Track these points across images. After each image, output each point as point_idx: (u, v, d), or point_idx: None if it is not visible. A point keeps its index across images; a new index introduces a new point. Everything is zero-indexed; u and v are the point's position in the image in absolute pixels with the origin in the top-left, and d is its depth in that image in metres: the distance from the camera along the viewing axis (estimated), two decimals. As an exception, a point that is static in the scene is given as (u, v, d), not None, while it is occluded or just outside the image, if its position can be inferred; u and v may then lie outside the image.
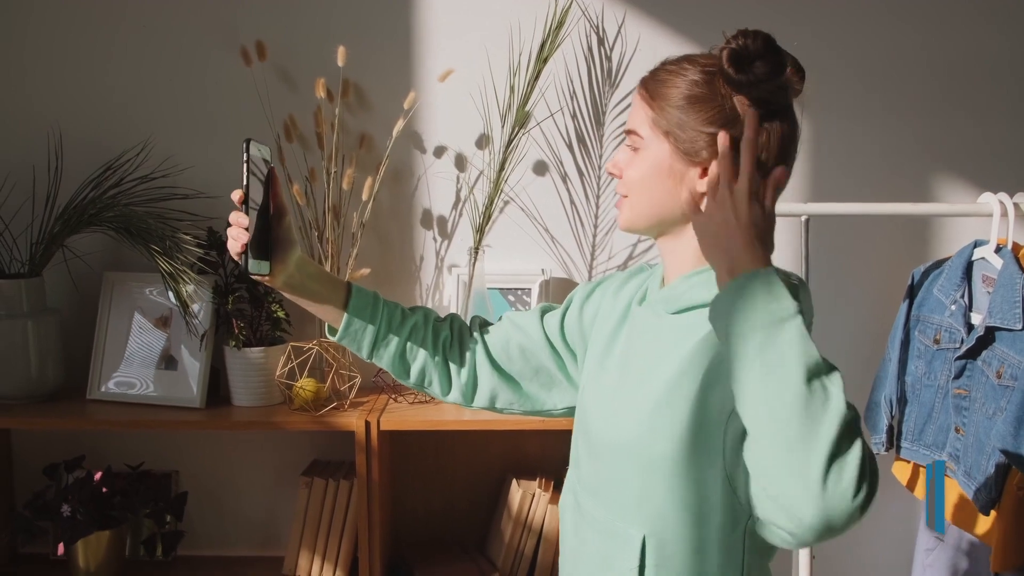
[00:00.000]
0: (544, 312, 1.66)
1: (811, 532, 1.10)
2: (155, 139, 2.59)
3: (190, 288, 2.38)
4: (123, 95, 2.62)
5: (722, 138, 1.31)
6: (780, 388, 1.12)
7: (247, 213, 1.42)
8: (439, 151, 2.62)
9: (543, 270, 2.62)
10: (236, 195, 1.42)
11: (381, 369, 2.57)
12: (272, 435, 2.69)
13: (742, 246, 1.24)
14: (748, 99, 1.33)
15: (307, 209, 2.54)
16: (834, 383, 1.13)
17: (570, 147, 2.62)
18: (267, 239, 1.46)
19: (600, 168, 2.62)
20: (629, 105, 2.59)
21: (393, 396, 2.55)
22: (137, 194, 2.50)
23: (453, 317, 1.68)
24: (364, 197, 2.53)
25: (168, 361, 2.52)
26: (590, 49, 2.59)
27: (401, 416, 2.41)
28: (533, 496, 2.50)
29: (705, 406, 1.29)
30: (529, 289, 2.61)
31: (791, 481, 1.10)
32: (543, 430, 2.45)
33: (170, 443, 2.69)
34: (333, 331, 1.62)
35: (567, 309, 1.64)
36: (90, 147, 2.58)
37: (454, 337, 1.65)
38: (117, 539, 2.51)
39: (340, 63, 2.47)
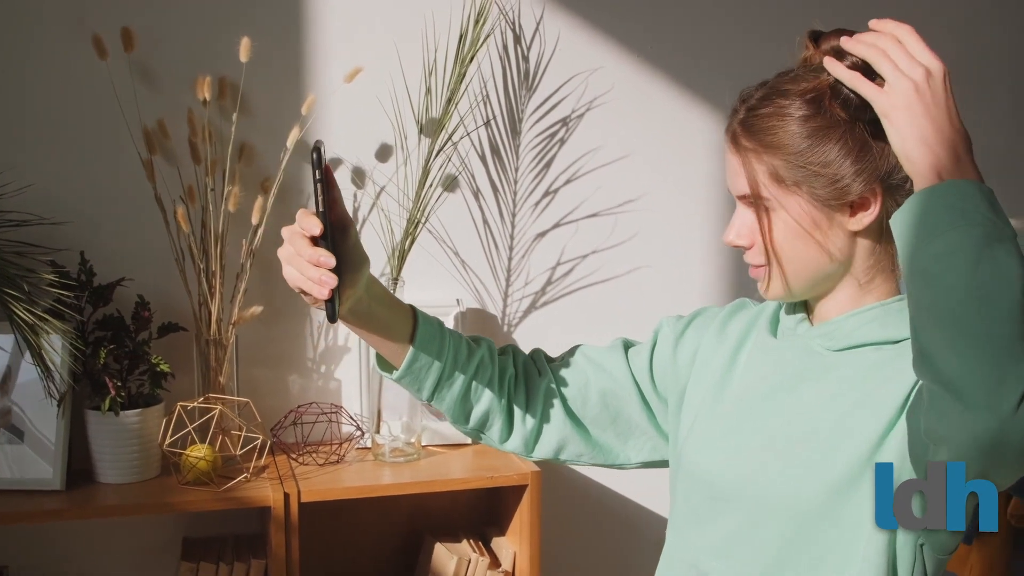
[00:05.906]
0: (627, 348, 1.42)
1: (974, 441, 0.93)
2: (-25, 152, 2.05)
3: (53, 341, 1.88)
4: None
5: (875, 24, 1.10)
6: (997, 292, 0.94)
7: (328, 245, 1.09)
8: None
9: (458, 300, 2.28)
10: (315, 226, 1.08)
11: (278, 426, 2.15)
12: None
13: (950, 154, 1.02)
14: None
15: (182, 238, 2.07)
16: None
17: (483, 159, 2.30)
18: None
19: (516, 182, 2.32)
20: (548, 111, 2.31)
21: (294, 456, 2.14)
22: (-46, 223, 1.96)
23: (515, 350, 1.40)
24: (254, 221, 2.10)
25: (10, 432, 2.00)
26: (505, 48, 2.28)
27: (319, 484, 2.03)
28: (469, 562, 2.16)
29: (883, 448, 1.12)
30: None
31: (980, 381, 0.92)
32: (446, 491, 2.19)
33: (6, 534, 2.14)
34: (386, 366, 1.30)
35: (654, 347, 1.41)
36: None
37: (519, 375, 1.37)
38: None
39: (243, 58, 2.03)
